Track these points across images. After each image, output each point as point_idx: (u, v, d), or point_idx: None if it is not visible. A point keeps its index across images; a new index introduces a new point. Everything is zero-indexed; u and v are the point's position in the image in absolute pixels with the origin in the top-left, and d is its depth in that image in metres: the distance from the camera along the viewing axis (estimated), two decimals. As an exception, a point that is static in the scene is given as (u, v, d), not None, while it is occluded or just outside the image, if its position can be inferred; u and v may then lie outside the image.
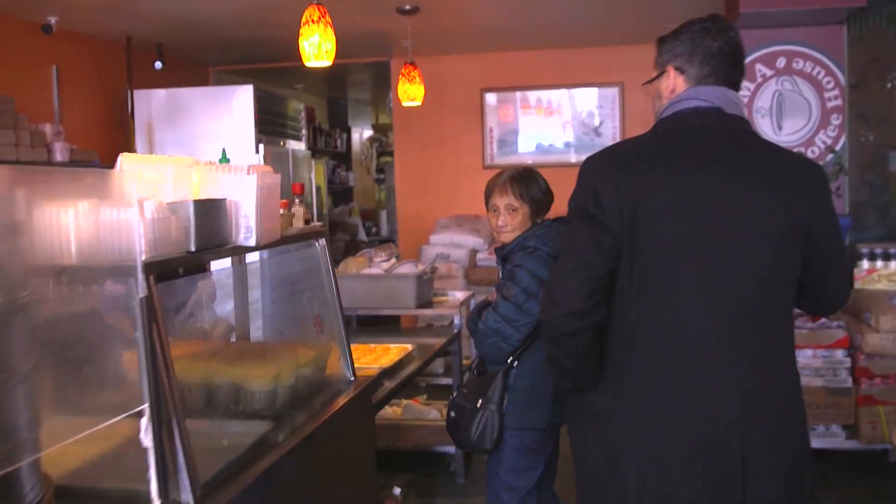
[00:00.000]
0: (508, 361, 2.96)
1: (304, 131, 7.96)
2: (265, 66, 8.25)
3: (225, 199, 2.43)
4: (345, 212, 10.66)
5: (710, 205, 1.93)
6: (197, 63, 8.06)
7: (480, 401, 2.95)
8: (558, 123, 7.99)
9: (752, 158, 1.98)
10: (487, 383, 2.96)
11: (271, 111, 7.23)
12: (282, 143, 7.30)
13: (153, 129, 6.80)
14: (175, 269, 2.24)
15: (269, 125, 7.12)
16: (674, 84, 2.08)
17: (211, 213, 2.32)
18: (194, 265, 2.42)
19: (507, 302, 2.91)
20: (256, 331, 3.36)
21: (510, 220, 3.02)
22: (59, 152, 5.84)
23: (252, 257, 3.47)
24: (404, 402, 5.50)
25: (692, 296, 1.94)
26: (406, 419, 5.31)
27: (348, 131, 11.25)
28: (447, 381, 5.64)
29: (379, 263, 5.22)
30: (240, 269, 3.31)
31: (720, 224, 1.93)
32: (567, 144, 8.01)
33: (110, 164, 6.03)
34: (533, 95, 7.97)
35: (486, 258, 7.23)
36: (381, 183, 12.21)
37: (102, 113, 6.67)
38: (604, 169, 2.01)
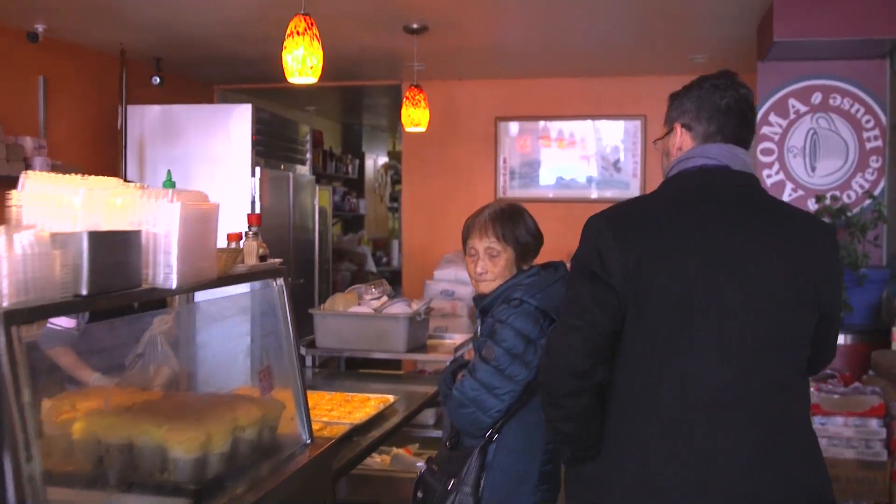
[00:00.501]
0: (487, 435, 2.51)
1: (308, 155, 7.58)
2: (271, 86, 7.90)
3: (138, 231, 2.00)
4: (354, 240, 10.27)
5: (718, 265, 1.88)
6: (201, 81, 7.71)
7: (452, 481, 2.47)
8: (579, 156, 7.57)
9: (760, 217, 1.95)
10: (461, 460, 2.49)
11: (273, 133, 6.85)
12: (282, 167, 6.91)
13: (145, 147, 6.44)
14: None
15: (270, 147, 6.74)
16: (680, 142, 2.06)
17: (114, 247, 1.89)
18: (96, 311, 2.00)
19: (487, 365, 2.44)
20: (204, 382, 2.94)
21: (491, 266, 2.57)
22: (39, 167, 5.48)
23: (207, 295, 3.07)
24: (394, 450, 5.04)
25: (700, 358, 1.87)
26: (393, 470, 4.85)
27: (361, 157, 10.88)
28: (438, 433, 5.18)
29: (369, 301, 4.79)
30: (187, 310, 2.90)
31: (728, 284, 1.87)
32: (589, 179, 7.57)
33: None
34: (554, 126, 7.56)
35: (494, 296, 6.78)
36: (395, 212, 11.81)
37: (92, 127, 6.32)
38: (608, 229, 1.93)
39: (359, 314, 4.65)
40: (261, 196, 6.29)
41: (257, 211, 6.26)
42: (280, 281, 2.72)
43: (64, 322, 3.43)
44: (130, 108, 6.47)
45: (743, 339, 1.86)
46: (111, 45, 6.15)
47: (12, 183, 5.01)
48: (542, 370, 2.02)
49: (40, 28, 5.54)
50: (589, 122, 7.54)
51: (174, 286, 2.03)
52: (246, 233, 2.63)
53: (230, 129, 6.29)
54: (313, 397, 3.79)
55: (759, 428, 1.87)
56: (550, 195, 7.51)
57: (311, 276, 7.44)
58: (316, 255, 7.54)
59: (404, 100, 5.68)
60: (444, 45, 6.15)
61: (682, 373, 1.86)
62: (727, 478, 1.84)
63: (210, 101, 7.97)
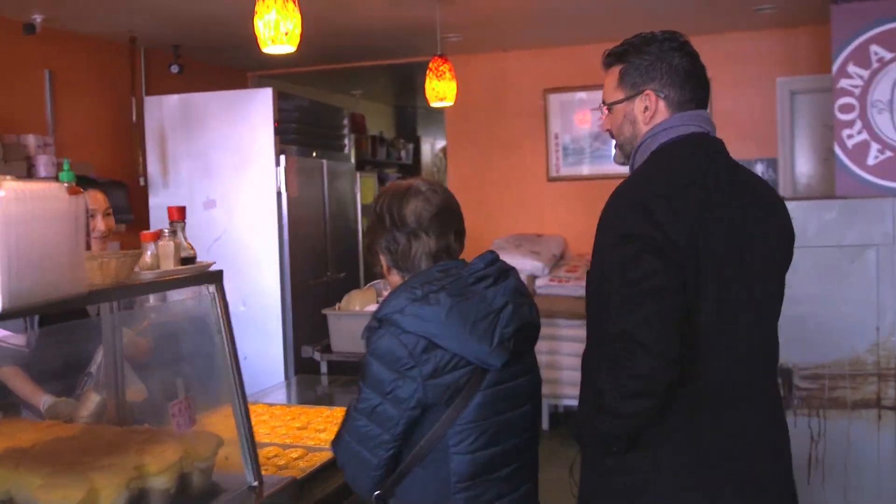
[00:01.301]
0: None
1: (346, 141, 7.09)
2: (308, 69, 7.43)
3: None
4: (410, 229, 9.76)
5: (741, 233, 1.88)
6: (231, 67, 7.30)
7: None
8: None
9: (750, 184, 1.98)
10: None
11: (303, 119, 6.38)
12: (314, 155, 6.44)
13: (165, 139, 6.04)
14: None
15: (300, 134, 6.27)
16: (654, 109, 1.98)
17: None
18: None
19: (356, 413, 1.91)
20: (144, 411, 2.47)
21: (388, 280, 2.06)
22: (43, 166, 5.13)
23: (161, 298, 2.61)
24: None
25: (741, 327, 1.89)
26: None
27: (416, 141, 10.37)
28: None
29: (388, 298, 4.27)
30: (110, 320, 2.42)
31: (750, 252, 1.88)
32: None
33: (109, 178, 5.27)
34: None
35: (547, 285, 6.19)
36: (456, 197, 11.26)
37: (104, 122, 5.95)
38: (662, 202, 1.81)
39: (370, 313, 4.13)
40: (287, 186, 5.83)
41: (284, 203, 5.81)
42: (212, 288, 2.20)
43: (11, 338, 3.01)
44: (148, 99, 6.08)
45: (767, 307, 1.93)
46: (120, 33, 5.77)
47: None
48: (639, 364, 1.74)
49: (38, 19, 5.17)
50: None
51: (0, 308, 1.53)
52: (162, 231, 2.12)
53: (252, 116, 5.84)
54: (308, 414, 3.30)
55: (780, 412, 1.99)
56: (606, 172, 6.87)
57: (355, 270, 6.97)
58: (359, 246, 7.07)
59: (427, 72, 5.13)
60: (484, 13, 5.58)
61: (728, 352, 1.86)
62: (774, 469, 1.91)
63: (242, 88, 7.56)
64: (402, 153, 9.86)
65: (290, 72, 7.57)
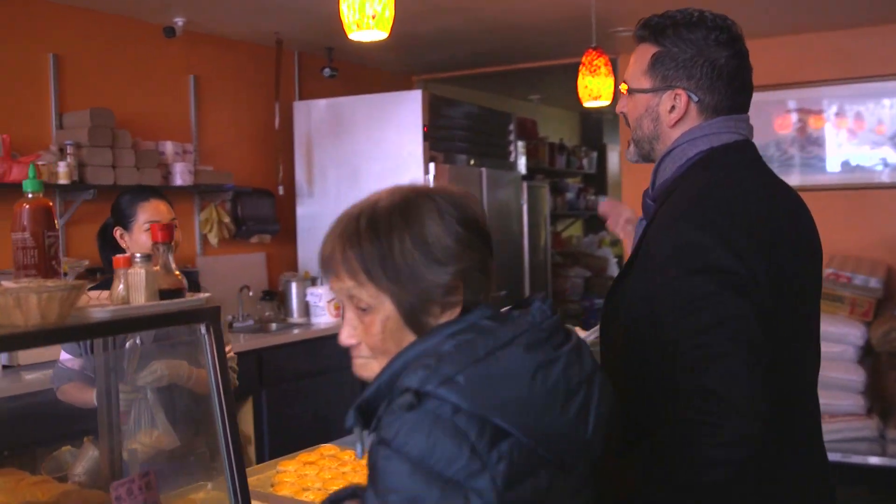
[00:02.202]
0: None
1: (512, 148, 6.55)
2: (478, 70, 6.94)
3: None
4: (593, 242, 9.09)
5: (801, 252, 1.68)
6: (395, 71, 6.93)
7: None
8: (867, 133, 5.92)
9: (792, 196, 1.75)
10: None
11: (462, 125, 5.91)
12: (471, 162, 5.94)
13: (312, 146, 5.74)
14: None
15: (456, 140, 5.81)
16: (683, 110, 1.71)
17: None
18: None
19: None
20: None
21: (362, 328, 1.30)
22: (180, 174, 4.91)
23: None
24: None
25: (808, 383, 1.73)
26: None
27: (602, 149, 9.66)
28: None
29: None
30: (106, 360, 1.98)
31: (805, 270, 1.69)
32: (885, 162, 5.90)
33: (248, 185, 5.00)
34: (803, 95, 5.96)
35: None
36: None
37: (248, 129, 5.70)
38: (735, 228, 1.55)
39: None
40: (436, 197, 5.35)
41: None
42: (203, 329, 1.72)
43: (69, 361, 2.72)
44: (297, 104, 5.81)
45: (817, 344, 1.76)
46: (266, 35, 5.50)
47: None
48: (729, 427, 1.46)
49: (179, 22, 4.97)
50: (850, 85, 5.86)
51: None
52: (133, 257, 1.66)
53: (401, 120, 5.43)
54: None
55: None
56: (835, 180, 5.94)
57: (519, 287, 6.42)
58: (525, 260, 6.51)
59: (580, 67, 4.48)
60: (661, 1, 4.87)
61: (795, 387, 1.68)
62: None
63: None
64: (585, 162, 9.19)
65: (459, 75, 7.11)
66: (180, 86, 5.27)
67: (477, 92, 7.60)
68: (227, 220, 5.31)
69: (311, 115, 5.73)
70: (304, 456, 2.85)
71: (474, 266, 1.29)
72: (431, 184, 5.21)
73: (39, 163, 4.25)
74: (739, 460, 1.49)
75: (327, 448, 2.91)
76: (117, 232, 2.78)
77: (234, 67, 5.59)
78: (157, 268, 1.72)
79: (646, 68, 1.72)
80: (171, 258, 1.74)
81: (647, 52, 1.72)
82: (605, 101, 4.56)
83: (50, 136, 4.55)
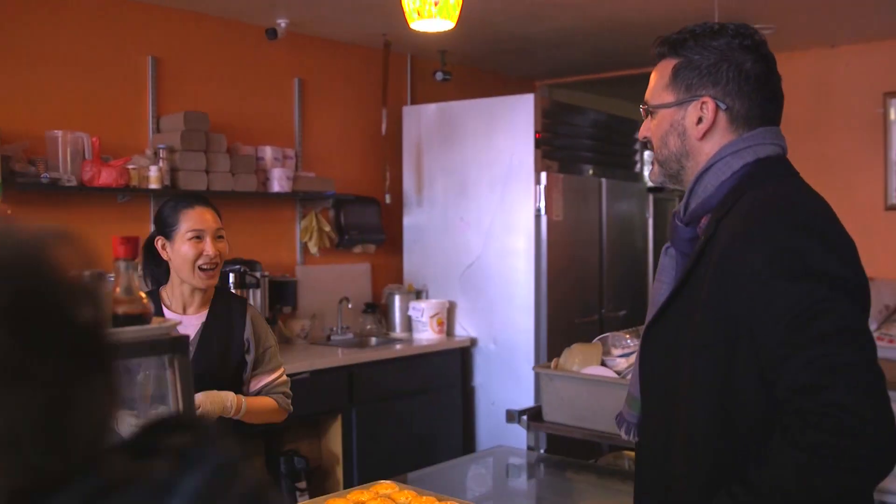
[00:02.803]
0: None
1: (638, 157, 6.09)
2: (601, 76, 6.52)
3: None
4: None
5: None
6: (514, 75, 6.60)
7: None
8: None
9: None
10: None
11: (578, 131, 5.52)
12: (590, 172, 5.54)
13: (422, 153, 5.47)
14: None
15: (574, 149, 5.42)
16: (712, 121, 1.58)
17: None
18: None
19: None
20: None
21: None
22: (278, 181, 4.75)
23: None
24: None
25: None
26: None
27: (745, 159, 8.99)
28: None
29: (616, 358, 3.28)
30: None
31: None
32: None
33: (352, 193, 4.79)
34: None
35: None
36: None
37: (353, 134, 5.49)
38: (840, 235, 1.47)
39: (591, 377, 3.17)
40: (548, 207, 4.99)
41: (544, 226, 4.98)
42: (167, 361, 1.45)
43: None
44: (406, 109, 5.57)
45: None
46: (373, 37, 5.28)
47: (234, 201, 4.23)
48: (850, 453, 1.33)
49: (282, 23, 4.80)
50: None
51: None
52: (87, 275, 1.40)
53: (511, 126, 5.09)
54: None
55: None
56: None
57: (640, 307, 5.95)
58: (649, 278, 6.04)
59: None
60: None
61: None
62: None
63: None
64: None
65: (582, 80, 6.70)
66: (284, 89, 5.11)
67: (603, 98, 7.16)
68: (327, 228, 5.11)
69: (421, 120, 5.47)
70: (357, 494, 2.56)
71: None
72: (542, 195, 4.85)
73: (130, 167, 4.16)
74: (876, 483, 1.38)
75: (384, 486, 2.62)
76: (159, 242, 2.57)
77: (340, 70, 5.39)
78: (118, 289, 1.45)
79: (668, 82, 1.61)
80: (134, 277, 1.47)
81: (667, 66, 1.62)
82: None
83: (147, 140, 4.46)
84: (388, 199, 5.37)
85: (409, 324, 5.27)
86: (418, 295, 5.42)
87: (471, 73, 6.09)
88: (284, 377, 2.71)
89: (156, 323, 1.49)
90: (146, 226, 4.43)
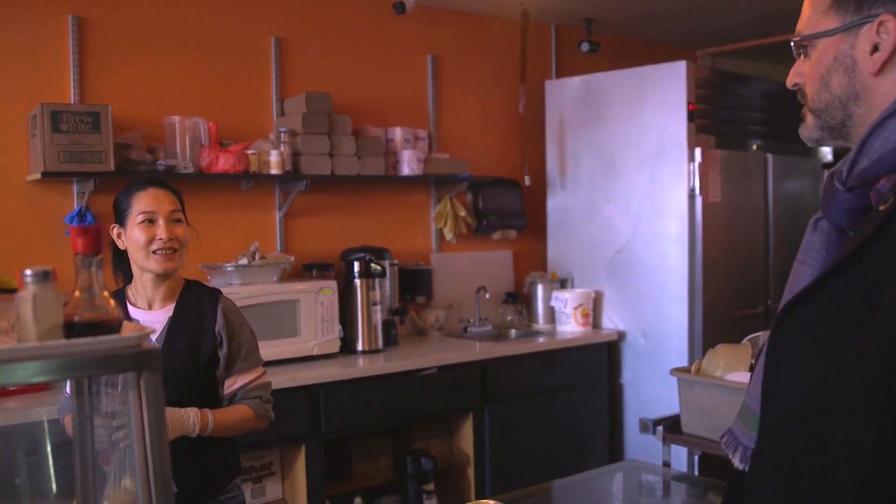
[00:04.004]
0: None
1: (812, 129, 5.43)
2: (768, 41, 5.87)
3: None
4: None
5: None
6: (675, 44, 6.05)
7: None
8: None
9: None
10: None
11: (740, 102, 4.97)
12: (754, 148, 4.97)
13: (565, 130, 5.07)
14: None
15: (735, 123, 4.88)
16: (892, 48, 1.15)
17: None
18: None
19: None
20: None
21: None
22: (407, 163, 4.49)
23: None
24: None
25: None
26: None
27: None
28: None
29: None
30: (81, 406, 1.50)
31: None
32: None
33: (491, 175, 4.50)
34: None
35: None
36: None
37: (489, 113, 5.14)
38: None
39: (736, 384, 2.72)
40: (703, 187, 4.48)
41: (698, 208, 4.48)
42: (131, 376, 1.18)
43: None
44: (549, 83, 5.18)
45: None
46: (510, 6, 4.91)
47: (361, 185, 4.02)
48: None
49: (411, -4, 4.53)
50: None
51: None
52: (25, 274, 1.14)
53: (661, 98, 4.61)
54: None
55: None
56: None
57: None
58: (826, 266, 5.38)
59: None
60: None
61: None
62: None
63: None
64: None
65: (748, 46, 6.07)
66: (416, 66, 4.84)
67: (773, 66, 6.48)
68: (463, 213, 4.80)
69: (565, 95, 5.07)
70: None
71: None
72: (696, 173, 4.36)
73: (250, 152, 4.00)
74: None
75: (486, 505, 2.30)
76: (114, 230, 2.34)
77: (476, 44, 5.06)
78: (77, 292, 1.19)
79: (830, 2, 1.20)
80: (97, 277, 1.21)
81: None
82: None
83: (271, 124, 4.31)
84: (527, 181, 5.01)
85: (552, 315, 4.90)
86: (563, 284, 5.03)
87: (622, 42, 5.62)
88: (264, 379, 2.41)
89: (129, 331, 1.23)
90: (272, 213, 4.29)
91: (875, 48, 1.16)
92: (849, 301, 1.07)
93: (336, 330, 3.97)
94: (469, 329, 4.79)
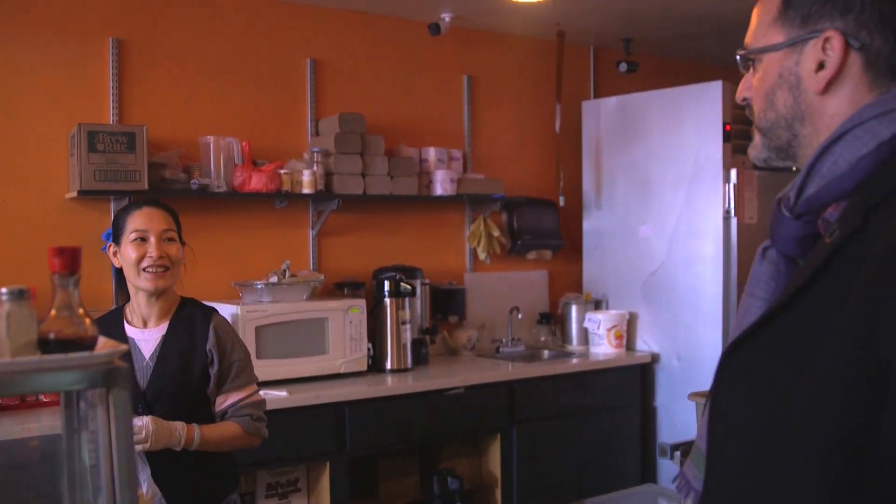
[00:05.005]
0: None
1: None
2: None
3: None
4: None
5: None
6: (716, 63, 6.00)
7: None
8: None
9: None
10: None
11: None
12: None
13: (601, 151, 5.06)
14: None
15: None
16: (838, 66, 1.10)
17: None
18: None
19: None
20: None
21: None
22: (440, 183, 4.52)
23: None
24: None
25: None
26: None
27: None
28: None
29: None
30: (70, 418, 1.54)
31: None
32: None
33: (524, 195, 4.52)
34: None
35: None
36: None
37: (524, 133, 5.15)
38: None
39: (753, 410, 2.66)
40: (738, 208, 4.43)
41: (734, 230, 4.43)
42: (101, 392, 1.22)
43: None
44: (586, 103, 5.18)
45: None
46: (546, 28, 4.92)
47: (394, 205, 4.07)
48: None
49: (446, 17, 4.57)
50: None
51: None
52: (1, 293, 1.19)
53: (698, 118, 4.57)
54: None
55: None
56: None
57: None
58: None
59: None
60: None
61: None
62: None
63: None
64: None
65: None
66: (452, 87, 4.87)
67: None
68: (496, 233, 4.81)
69: (601, 115, 5.05)
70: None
71: None
72: (731, 194, 4.31)
73: (282, 171, 4.07)
74: None
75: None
76: (111, 249, 2.41)
77: (513, 65, 5.08)
78: (53, 310, 1.23)
79: (776, 15, 1.16)
80: (73, 295, 1.25)
81: None
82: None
83: (305, 144, 4.37)
84: (561, 201, 5.00)
85: (586, 336, 4.88)
86: (597, 305, 5.00)
87: (660, 62, 5.59)
88: (257, 397, 2.43)
89: (106, 347, 1.26)
90: (305, 232, 4.35)
91: (820, 66, 1.12)
92: (795, 339, 1.04)
93: (364, 348, 4.00)
94: (501, 349, 4.79)
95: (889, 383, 0.93)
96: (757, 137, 1.23)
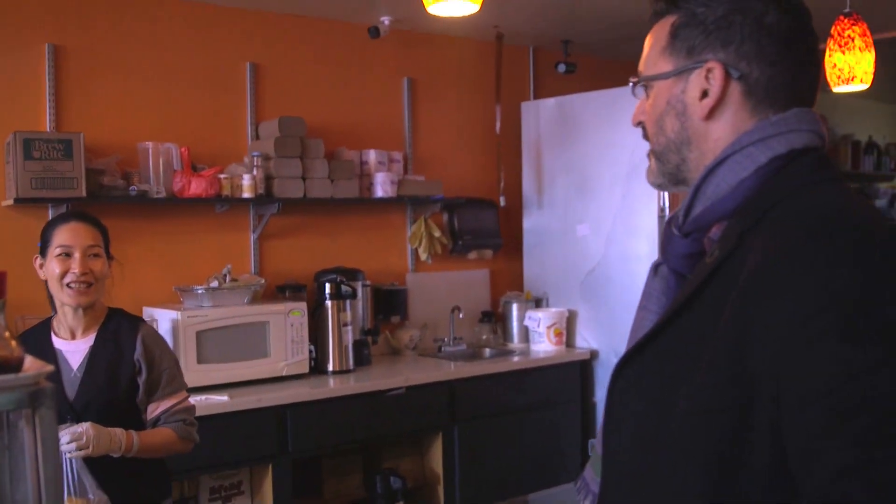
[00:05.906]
0: None
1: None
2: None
3: None
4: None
5: None
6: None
7: None
8: None
9: None
10: None
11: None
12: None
13: (541, 151, 5.15)
14: None
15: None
16: (720, 95, 1.20)
17: None
18: None
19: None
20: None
21: None
22: (381, 185, 4.57)
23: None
24: None
25: None
26: None
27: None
28: None
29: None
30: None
31: None
32: None
33: (467, 197, 4.57)
34: None
35: None
36: None
37: (464, 134, 5.22)
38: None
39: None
40: (672, 207, 4.54)
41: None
42: (26, 413, 1.25)
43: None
44: (524, 105, 5.27)
45: None
46: (484, 30, 4.99)
47: (335, 207, 4.12)
48: None
49: (385, 21, 4.61)
50: None
51: None
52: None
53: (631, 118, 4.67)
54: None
55: None
56: None
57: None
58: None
59: (828, 40, 3.44)
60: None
61: None
62: None
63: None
64: (903, 162, 7.71)
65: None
66: (392, 89, 4.92)
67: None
68: (437, 234, 4.88)
69: (540, 116, 5.14)
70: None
71: None
72: (666, 194, 4.42)
73: (222, 176, 4.09)
74: None
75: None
76: (37, 261, 2.44)
77: (452, 67, 5.14)
78: (-23, 333, 1.27)
79: (665, 44, 1.24)
80: (0, 318, 1.28)
81: (664, 25, 1.25)
82: (861, 85, 3.50)
83: (246, 148, 4.39)
84: (502, 201, 5.08)
85: (527, 334, 4.97)
86: (538, 303, 5.10)
87: (599, 64, 5.69)
88: (187, 403, 2.50)
89: (32, 368, 1.30)
90: (246, 235, 4.37)
91: (704, 94, 1.20)
92: (678, 354, 1.12)
93: (306, 351, 4.04)
94: (443, 349, 4.86)
95: (754, 398, 1.01)
96: (652, 162, 1.29)
